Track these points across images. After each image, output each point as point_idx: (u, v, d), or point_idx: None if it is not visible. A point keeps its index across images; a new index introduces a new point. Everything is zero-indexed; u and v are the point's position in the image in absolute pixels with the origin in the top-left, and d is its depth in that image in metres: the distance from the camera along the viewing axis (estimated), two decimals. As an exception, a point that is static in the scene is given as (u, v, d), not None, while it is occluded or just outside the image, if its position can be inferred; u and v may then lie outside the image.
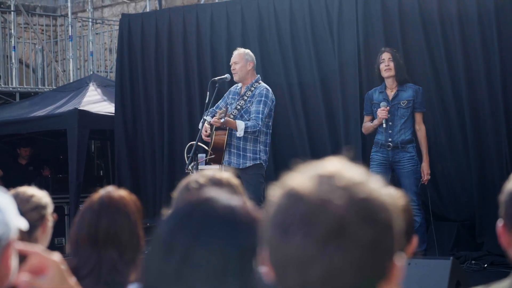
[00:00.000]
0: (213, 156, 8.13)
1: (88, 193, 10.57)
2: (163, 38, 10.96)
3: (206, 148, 8.31)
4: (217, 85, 8.21)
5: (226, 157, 8.07)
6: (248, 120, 7.94)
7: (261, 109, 7.98)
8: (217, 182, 2.83)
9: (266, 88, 8.15)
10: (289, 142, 9.96)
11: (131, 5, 17.41)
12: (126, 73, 11.33)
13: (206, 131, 8.03)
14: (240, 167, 7.98)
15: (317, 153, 9.71)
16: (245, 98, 8.07)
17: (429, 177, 7.86)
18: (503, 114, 8.64)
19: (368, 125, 8.08)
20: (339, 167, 1.41)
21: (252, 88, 8.12)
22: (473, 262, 8.39)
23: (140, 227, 2.95)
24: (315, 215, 1.34)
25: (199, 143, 7.97)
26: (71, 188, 10.79)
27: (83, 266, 2.87)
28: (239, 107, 8.05)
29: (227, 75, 8.38)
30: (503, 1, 8.61)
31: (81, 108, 11.24)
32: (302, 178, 1.41)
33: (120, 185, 10.30)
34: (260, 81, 8.23)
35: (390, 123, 7.86)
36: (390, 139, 7.85)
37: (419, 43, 9.09)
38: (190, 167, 7.79)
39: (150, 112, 11.15)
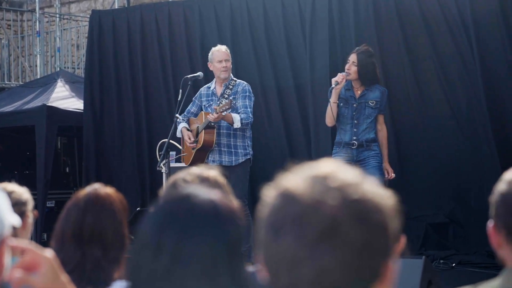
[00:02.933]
0: (185, 154, 8.11)
1: (55, 190, 10.51)
2: (136, 35, 10.93)
3: (179, 146, 8.29)
4: (189, 82, 8.19)
5: (216, 157, 8.06)
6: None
7: (247, 103, 8.04)
8: (204, 180, 2.83)
9: (247, 84, 8.21)
10: (262, 140, 9.97)
11: (99, 1, 17.30)
12: (96, 69, 11.27)
13: (190, 139, 8.03)
14: (233, 164, 8.02)
15: (293, 151, 9.77)
16: (226, 96, 8.06)
17: (394, 175, 7.83)
18: (483, 114, 8.73)
19: (328, 109, 7.96)
20: (333, 168, 1.41)
21: (231, 86, 8.12)
22: (441, 261, 8.45)
23: (126, 225, 2.94)
24: (308, 216, 1.34)
25: (171, 141, 7.95)
26: (38, 185, 10.69)
27: (67, 263, 2.85)
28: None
29: (200, 73, 8.37)
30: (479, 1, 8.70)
31: (49, 104, 11.14)
32: (296, 178, 1.41)
33: (87, 182, 10.26)
34: (235, 78, 8.24)
35: (356, 122, 7.84)
36: (354, 138, 7.81)
37: (396, 42, 9.13)
38: (161, 164, 7.78)
39: (123, 109, 11.10)
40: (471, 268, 8.32)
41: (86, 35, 12.49)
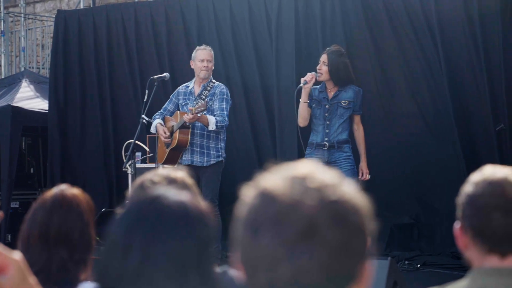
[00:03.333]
0: (151, 155, 8.09)
1: (19, 191, 10.42)
2: (102, 35, 10.89)
3: (145, 147, 8.26)
4: (155, 83, 8.16)
5: (188, 156, 8.05)
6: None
7: (224, 106, 8.03)
8: (171, 181, 2.82)
9: (226, 87, 8.22)
10: (228, 141, 10.00)
11: (64, 1, 17.19)
12: (61, 69, 11.20)
13: (165, 133, 8.02)
14: (204, 165, 8.01)
15: (260, 152, 9.79)
16: (203, 97, 8.06)
17: (369, 176, 7.83)
18: (449, 115, 8.80)
19: (299, 109, 7.91)
20: (312, 169, 1.42)
21: (209, 88, 8.13)
22: (406, 262, 8.50)
23: (92, 226, 2.92)
24: (286, 215, 1.35)
25: (137, 142, 7.92)
26: (3, 186, 10.61)
27: (33, 265, 2.82)
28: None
29: (166, 74, 8.36)
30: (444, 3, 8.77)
31: (14, 104, 11.07)
32: (275, 179, 1.41)
33: (51, 183, 10.19)
34: (214, 80, 8.24)
35: (328, 123, 7.82)
36: (326, 139, 7.78)
37: (364, 43, 9.18)
38: (127, 165, 7.75)
39: (89, 109, 11.05)
40: (435, 269, 8.38)
41: (51, 35, 12.40)
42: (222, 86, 8.19)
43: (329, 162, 7.72)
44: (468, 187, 2.36)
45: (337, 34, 9.29)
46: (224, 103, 8.03)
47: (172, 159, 8.08)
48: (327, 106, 7.81)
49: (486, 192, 2.31)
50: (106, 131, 10.95)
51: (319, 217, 1.35)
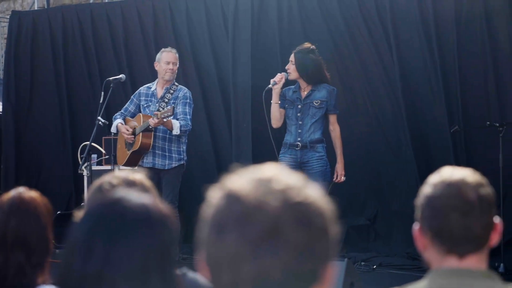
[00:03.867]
0: (106, 157, 8.05)
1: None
2: (58, 36, 10.81)
3: (101, 149, 8.21)
4: (111, 85, 8.12)
5: (150, 159, 8.01)
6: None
7: (187, 110, 8.02)
8: (130, 183, 2.81)
9: (189, 91, 8.21)
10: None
11: (18, 1, 17.03)
12: (16, 71, 11.10)
13: (127, 130, 7.98)
14: (166, 168, 8.00)
15: (218, 153, 9.80)
16: (166, 100, 8.03)
17: (344, 178, 7.75)
18: (402, 119, 8.88)
19: (272, 110, 7.86)
20: (277, 172, 1.44)
21: (172, 90, 8.10)
22: (362, 263, 8.54)
23: (50, 230, 2.89)
24: (250, 216, 1.37)
25: (93, 144, 7.87)
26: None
27: (-11, 269, 2.80)
28: (161, 109, 7.98)
29: (122, 76, 8.31)
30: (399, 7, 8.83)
31: (-34, 105, 10.97)
32: (240, 180, 1.43)
33: (6, 185, 10.09)
34: (176, 83, 8.22)
35: (300, 123, 7.76)
36: (299, 139, 7.70)
37: (325, 44, 9.21)
38: (83, 167, 7.71)
39: (45, 110, 10.97)
40: (392, 270, 8.44)
41: (5, 36, 12.28)
42: (185, 89, 8.18)
43: (302, 162, 7.67)
44: (427, 188, 2.38)
45: (296, 35, 9.32)
46: (187, 107, 8.02)
47: (132, 161, 8.04)
48: (299, 106, 7.74)
49: (444, 193, 2.34)
50: (63, 132, 10.87)
51: (283, 218, 1.36)
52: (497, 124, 7.74)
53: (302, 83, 7.75)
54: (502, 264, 7.53)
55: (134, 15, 10.33)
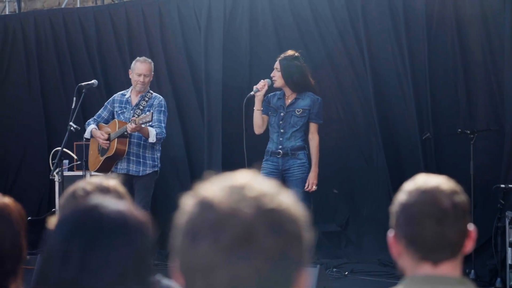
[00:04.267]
0: (78, 162, 8.02)
1: None
2: (31, 41, 10.76)
3: (73, 154, 8.18)
4: (84, 90, 8.08)
5: (124, 165, 7.97)
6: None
7: (162, 118, 8.00)
8: (104, 190, 2.79)
9: (164, 99, 8.18)
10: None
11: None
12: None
13: (102, 135, 7.94)
14: (140, 174, 7.95)
15: (191, 158, 9.80)
16: (141, 107, 8.01)
17: (316, 188, 7.68)
18: (374, 126, 8.91)
19: (254, 117, 7.87)
20: (250, 179, 1.44)
21: (146, 98, 8.07)
22: (334, 269, 8.56)
23: (24, 237, 2.86)
24: (223, 223, 1.37)
25: (65, 150, 7.84)
26: None
27: (-39, 276, 2.77)
28: (136, 116, 7.95)
29: (94, 81, 8.27)
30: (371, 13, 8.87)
31: None
32: (213, 188, 1.43)
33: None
34: (151, 91, 8.19)
35: (282, 131, 7.75)
36: (280, 147, 7.70)
37: (296, 47, 9.24)
38: (54, 173, 7.67)
39: (17, 115, 10.91)
40: (363, 276, 8.47)
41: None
42: (161, 98, 8.16)
43: (284, 170, 7.69)
44: (401, 195, 2.39)
45: (268, 37, 9.34)
46: (162, 115, 8.00)
47: (105, 167, 8.01)
48: (282, 114, 7.73)
49: (418, 200, 2.35)
50: (36, 138, 10.82)
51: (256, 224, 1.36)
52: (468, 132, 7.79)
53: (287, 91, 7.76)
54: (473, 271, 7.59)
55: (107, 20, 10.29)
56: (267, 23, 9.45)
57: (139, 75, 8.07)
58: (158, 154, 8.10)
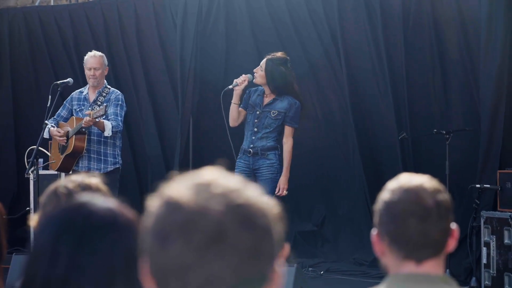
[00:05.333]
0: (53, 162, 7.98)
1: None
2: (4, 39, 10.69)
3: (48, 153, 8.13)
4: (59, 89, 8.05)
5: (85, 163, 7.93)
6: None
7: (118, 111, 7.94)
8: (85, 187, 2.78)
9: (121, 94, 8.13)
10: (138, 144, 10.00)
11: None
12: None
13: (59, 132, 7.89)
14: (101, 171, 7.87)
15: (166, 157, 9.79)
16: (98, 103, 7.97)
17: (286, 192, 7.54)
18: (350, 124, 8.94)
19: (230, 110, 7.84)
20: (215, 176, 1.43)
21: (104, 93, 8.04)
22: (310, 269, 8.57)
23: (4, 235, 2.84)
24: (194, 222, 1.35)
25: (40, 148, 7.79)
26: None
27: None
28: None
29: (69, 79, 8.22)
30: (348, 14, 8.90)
31: None
32: (179, 187, 1.41)
33: None
34: (109, 86, 8.16)
35: (255, 129, 7.73)
36: (251, 145, 7.69)
37: (274, 46, 9.24)
38: (30, 171, 7.62)
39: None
40: (339, 275, 8.49)
41: None
42: (118, 92, 8.12)
43: (254, 169, 7.67)
44: (385, 194, 2.39)
45: (246, 39, 9.35)
46: (118, 108, 7.96)
47: (66, 165, 7.95)
48: (258, 113, 7.68)
49: (402, 199, 2.36)
50: (4, 137, 10.74)
51: (226, 221, 1.35)
52: (444, 132, 7.83)
53: (267, 89, 7.72)
54: (448, 270, 7.63)
55: (83, 18, 10.25)
56: (243, 22, 9.44)
57: (89, 69, 8.04)
58: (119, 151, 8.06)
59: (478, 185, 7.67)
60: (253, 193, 1.42)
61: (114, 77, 9.78)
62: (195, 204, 1.37)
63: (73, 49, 10.28)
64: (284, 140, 7.68)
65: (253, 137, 7.67)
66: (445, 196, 2.39)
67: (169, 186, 1.43)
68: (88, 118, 7.52)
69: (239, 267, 1.35)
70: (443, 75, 8.49)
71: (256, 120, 7.67)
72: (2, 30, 10.72)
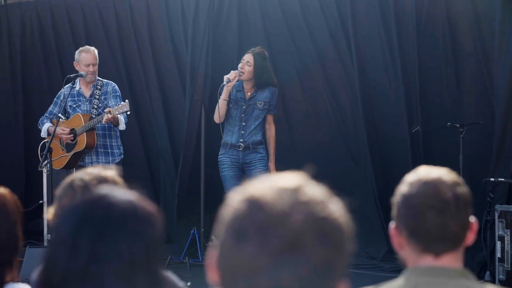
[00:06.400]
0: (66, 155, 7.99)
1: None
2: (16, 32, 10.72)
3: (61, 146, 8.14)
4: (72, 81, 8.06)
5: (93, 158, 7.94)
6: None
7: (119, 103, 7.93)
8: (102, 180, 2.77)
9: (115, 85, 8.18)
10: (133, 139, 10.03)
11: None
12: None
13: (63, 130, 7.88)
14: (110, 164, 7.87)
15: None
16: (97, 97, 7.96)
17: None
18: (360, 119, 8.92)
19: (217, 106, 7.93)
20: (303, 183, 1.42)
21: (99, 86, 8.04)
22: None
23: (20, 227, 2.85)
24: (273, 226, 1.34)
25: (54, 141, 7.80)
26: None
27: (-43, 266, 2.76)
28: (96, 106, 7.93)
29: (82, 72, 8.22)
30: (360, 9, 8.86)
31: None
32: (264, 187, 1.40)
33: None
34: (100, 78, 8.14)
35: (244, 124, 7.82)
36: (241, 140, 7.79)
37: (286, 47, 9.22)
38: (43, 164, 7.64)
39: (1, 106, 10.85)
40: (351, 269, 8.44)
41: None
42: (113, 84, 8.16)
43: (244, 163, 7.77)
44: (403, 187, 2.38)
45: (258, 32, 9.33)
46: (119, 100, 7.98)
47: (72, 163, 7.96)
48: (244, 107, 7.81)
49: (420, 192, 2.34)
50: (15, 130, 10.76)
51: (305, 232, 1.34)
52: (458, 125, 7.80)
53: (248, 84, 7.83)
54: (461, 264, 7.61)
55: (95, 12, 10.26)
56: (255, 15, 9.42)
57: (87, 65, 8.04)
58: (120, 142, 8.13)
59: (492, 179, 7.64)
60: (336, 208, 1.41)
61: (125, 71, 9.77)
62: (277, 207, 1.35)
63: (85, 43, 10.29)
64: (267, 127, 7.99)
65: (242, 131, 7.80)
66: (464, 189, 2.37)
67: (254, 184, 1.42)
68: (109, 115, 7.51)
69: (308, 279, 1.34)
70: (456, 67, 8.45)
71: (243, 115, 7.78)
72: (14, 24, 10.74)
